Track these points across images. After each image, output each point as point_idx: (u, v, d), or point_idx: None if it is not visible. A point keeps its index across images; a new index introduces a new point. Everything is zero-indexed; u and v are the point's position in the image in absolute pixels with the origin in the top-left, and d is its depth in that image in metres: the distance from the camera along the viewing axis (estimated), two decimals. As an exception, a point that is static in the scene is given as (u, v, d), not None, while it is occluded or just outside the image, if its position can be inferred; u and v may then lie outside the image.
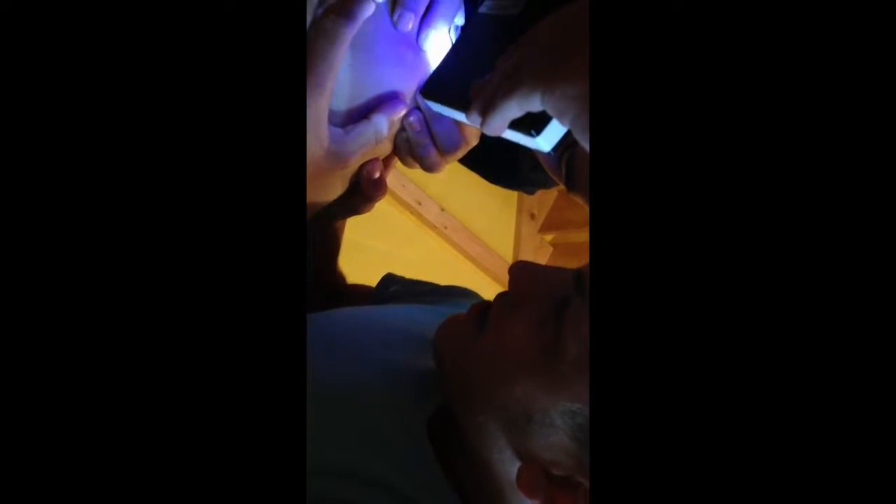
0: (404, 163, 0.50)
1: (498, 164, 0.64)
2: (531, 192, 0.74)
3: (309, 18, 0.42)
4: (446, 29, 0.47)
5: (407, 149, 0.49)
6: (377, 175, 0.48)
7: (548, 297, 0.40)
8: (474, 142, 0.49)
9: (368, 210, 0.51)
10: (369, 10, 0.42)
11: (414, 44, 0.47)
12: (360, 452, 0.42)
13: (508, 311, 0.42)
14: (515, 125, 0.38)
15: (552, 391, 0.38)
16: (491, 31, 0.45)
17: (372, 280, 0.67)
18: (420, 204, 1.60)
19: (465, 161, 0.55)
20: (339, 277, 0.67)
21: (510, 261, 1.83)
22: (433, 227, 1.66)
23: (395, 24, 0.45)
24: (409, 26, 0.45)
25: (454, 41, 0.47)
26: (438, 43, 0.47)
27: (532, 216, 1.99)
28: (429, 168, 0.49)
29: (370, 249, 1.38)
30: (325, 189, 0.47)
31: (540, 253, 2.00)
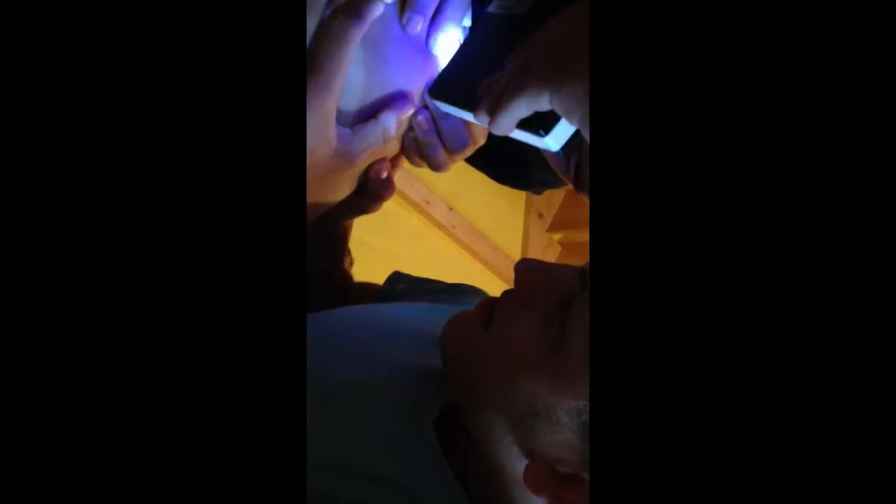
0: (412, 162, 0.50)
1: (506, 163, 0.64)
2: (539, 192, 0.74)
3: (313, 18, 0.42)
4: (455, 31, 0.47)
5: (415, 148, 0.49)
6: (385, 175, 0.48)
7: (553, 295, 0.40)
8: (482, 141, 0.49)
9: (376, 209, 0.52)
10: (378, 11, 0.42)
11: (422, 44, 0.47)
12: (367, 451, 0.42)
13: (514, 308, 0.42)
14: (524, 125, 0.38)
15: (557, 388, 0.38)
16: (498, 31, 0.45)
17: (379, 279, 0.67)
18: (428, 203, 1.60)
19: (472, 161, 0.55)
20: (347, 276, 0.67)
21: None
22: (441, 227, 1.66)
23: (403, 27, 0.45)
24: (418, 29, 0.45)
25: (462, 41, 0.47)
26: (447, 45, 0.47)
27: (540, 215, 1.99)
28: (436, 167, 0.49)
29: (378, 248, 1.38)
30: (333, 189, 0.48)
31: (548, 252, 2.00)
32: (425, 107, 0.48)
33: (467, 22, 0.48)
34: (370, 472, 0.41)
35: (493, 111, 0.38)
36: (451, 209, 1.67)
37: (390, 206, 0.56)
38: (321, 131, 0.43)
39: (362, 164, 0.47)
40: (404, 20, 0.45)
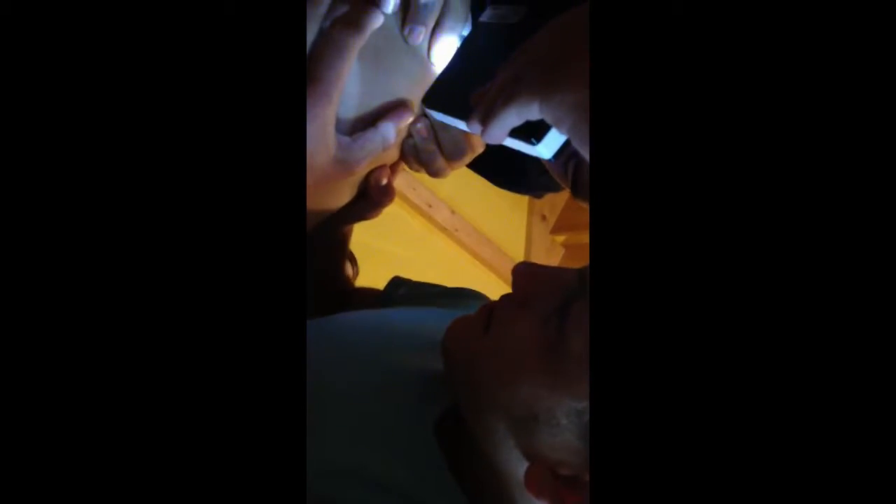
0: (411, 168, 0.51)
1: (506, 168, 0.64)
2: (540, 196, 0.74)
3: (313, 28, 0.43)
4: (455, 41, 0.47)
5: (414, 155, 0.49)
6: (385, 181, 0.49)
7: (551, 297, 0.41)
8: (480, 149, 0.49)
9: (376, 215, 0.52)
10: (377, 22, 0.43)
11: (421, 54, 0.47)
12: (368, 455, 0.42)
13: (512, 310, 0.42)
14: (516, 133, 0.39)
15: (557, 390, 0.38)
16: (491, 41, 0.46)
17: (382, 282, 0.67)
18: (431, 206, 1.60)
19: (472, 165, 0.56)
20: (348, 282, 0.67)
21: (521, 263, 1.81)
22: (444, 230, 1.66)
23: (405, 39, 0.46)
24: (420, 39, 0.46)
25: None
26: (447, 55, 0.47)
27: (543, 218, 1.99)
28: (435, 174, 0.49)
29: (381, 252, 1.38)
30: (333, 195, 0.48)
31: (551, 254, 1.99)
32: (424, 115, 0.48)
33: (466, 32, 0.48)
34: (370, 476, 0.41)
35: (485, 120, 0.38)
36: (453, 212, 1.67)
37: (393, 209, 0.56)
38: (321, 139, 0.43)
39: (362, 171, 0.47)
40: (406, 31, 0.46)
